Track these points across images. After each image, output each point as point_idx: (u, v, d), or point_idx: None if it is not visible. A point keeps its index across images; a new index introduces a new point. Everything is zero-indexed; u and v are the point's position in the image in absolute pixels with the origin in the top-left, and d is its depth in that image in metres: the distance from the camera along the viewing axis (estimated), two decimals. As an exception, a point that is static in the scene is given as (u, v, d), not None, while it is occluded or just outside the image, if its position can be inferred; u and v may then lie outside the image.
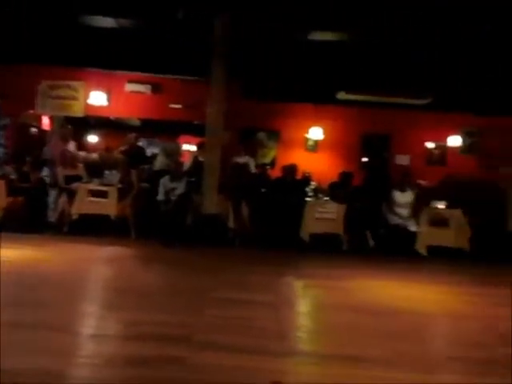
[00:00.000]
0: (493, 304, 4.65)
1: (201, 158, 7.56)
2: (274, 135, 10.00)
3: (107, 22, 6.98)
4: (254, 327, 3.33)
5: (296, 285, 5.02)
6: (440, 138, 9.88)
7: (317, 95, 9.37)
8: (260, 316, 3.61)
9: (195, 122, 9.28)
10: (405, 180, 7.36)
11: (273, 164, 9.70)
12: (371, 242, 6.89)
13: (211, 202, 6.71)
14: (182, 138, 11.12)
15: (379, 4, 6.02)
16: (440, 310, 4.25)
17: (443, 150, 9.94)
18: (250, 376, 2.48)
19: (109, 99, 9.40)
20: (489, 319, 4.04)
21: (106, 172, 7.53)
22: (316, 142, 9.89)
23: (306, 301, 4.69)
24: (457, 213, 6.91)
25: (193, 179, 7.31)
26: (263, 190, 7.68)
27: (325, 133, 9.74)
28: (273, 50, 7.67)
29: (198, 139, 8.69)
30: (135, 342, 2.84)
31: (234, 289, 4.42)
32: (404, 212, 7.08)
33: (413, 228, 6.86)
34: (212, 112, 6.80)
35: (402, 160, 9.85)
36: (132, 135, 9.19)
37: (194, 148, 9.72)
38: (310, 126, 9.74)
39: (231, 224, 6.85)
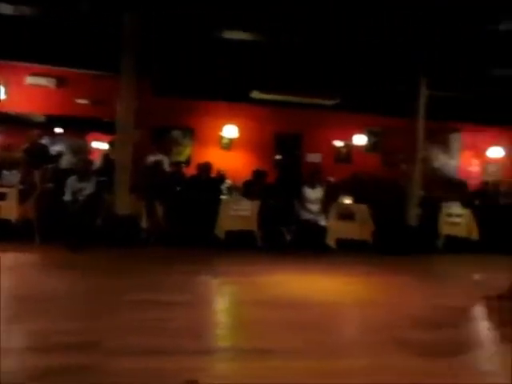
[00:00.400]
0: (396, 291, 5.04)
1: (112, 156, 7.27)
2: (189, 133, 9.92)
3: (4, 8, 6.42)
4: (170, 328, 3.29)
5: (212, 283, 5.03)
6: (347, 137, 10.46)
7: (231, 93, 9.45)
8: (176, 316, 3.57)
9: (105, 120, 8.89)
10: (315, 177, 7.67)
11: (188, 162, 9.62)
12: (288, 237, 7.10)
13: (123, 202, 6.48)
14: (92, 135, 10.60)
15: (292, 5, 6.20)
16: (349, 299, 4.51)
17: (350, 148, 10.53)
18: (167, 376, 2.45)
19: (7, 93, 8.69)
20: (393, 305, 4.37)
21: (5, 172, 6.95)
22: (231, 140, 9.97)
23: (222, 298, 4.72)
24: (362, 207, 7.36)
25: (103, 178, 7.00)
26: (178, 189, 7.58)
27: (239, 131, 9.85)
28: (186, 47, 7.59)
29: (109, 137, 8.34)
30: (41, 353, 2.68)
31: (148, 290, 4.32)
32: (314, 207, 7.39)
33: (323, 222, 7.19)
34: (122, 109, 6.56)
35: (313, 158, 10.27)
36: (34, 132, 8.56)
37: (105, 146, 9.32)
38: (224, 125, 9.80)
39: (144, 224, 6.68)
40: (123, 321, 3.35)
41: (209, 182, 7.67)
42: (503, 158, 10.77)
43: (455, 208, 7.90)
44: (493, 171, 11.03)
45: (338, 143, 10.53)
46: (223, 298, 4.73)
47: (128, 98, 6.51)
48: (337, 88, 9.09)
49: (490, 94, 9.74)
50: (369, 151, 10.44)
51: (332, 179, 8.95)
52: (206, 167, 7.72)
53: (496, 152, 10.71)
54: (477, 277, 6.10)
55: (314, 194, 7.46)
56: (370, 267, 6.23)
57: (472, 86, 9.35)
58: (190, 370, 2.54)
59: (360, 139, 10.36)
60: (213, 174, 8.15)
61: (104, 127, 9.28)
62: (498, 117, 10.21)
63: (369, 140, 10.41)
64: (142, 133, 7.94)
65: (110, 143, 7.96)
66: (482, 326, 4.04)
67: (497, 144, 10.69)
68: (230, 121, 9.81)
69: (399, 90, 8.37)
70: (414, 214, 7.44)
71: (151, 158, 7.74)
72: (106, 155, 7.79)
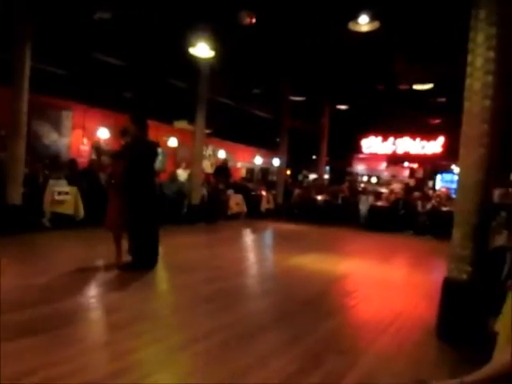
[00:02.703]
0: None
1: None
2: None
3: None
4: None
5: None
6: None
7: None
8: None
9: None
10: None
11: None
12: None
13: None
14: None
15: None
16: None
17: None
18: None
19: None
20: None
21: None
22: None
23: None
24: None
25: None
26: None
27: None
28: None
29: None
30: None
31: None
32: None
33: None
34: None
35: None
36: None
37: None
38: None
39: None
40: None
41: None
42: (109, 138, 11.62)
43: (62, 186, 7.96)
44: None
45: None
46: None
47: None
48: None
49: (98, 77, 10.32)
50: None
51: None
52: None
53: (103, 133, 11.44)
54: (81, 251, 6.39)
55: None
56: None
57: (77, 66, 9.62)
58: None
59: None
60: None
61: None
62: (104, 99, 10.95)
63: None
64: None
65: None
66: (81, 298, 4.22)
67: (104, 125, 11.42)
68: None
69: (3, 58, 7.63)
70: (17, 193, 7.00)
71: None
72: None
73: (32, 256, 5.92)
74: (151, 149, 5.53)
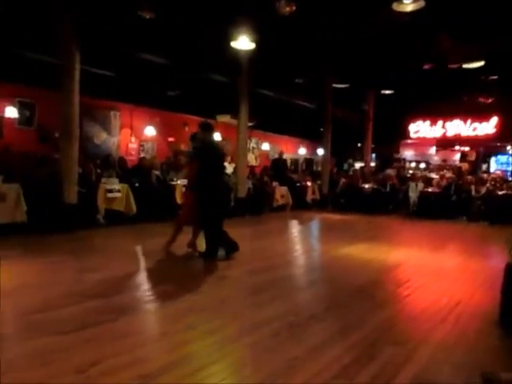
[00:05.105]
0: (50, 271, 4.85)
1: None
2: None
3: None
4: None
5: None
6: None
7: None
8: None
9: None
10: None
11: None
12: None
13: None
14: None
15: None
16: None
17: (0, 121, 9.34)
18: None
19: None
20: (45, 286, 4.18)
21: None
22: None
23: None
24: (14, 187, 6.70)
25: None
26: None
27: None
28: None
29: None
30: None
31: None
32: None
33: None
34: None
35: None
36: None
37: None
38: None
39: None
40: None
41: None
42: (155, 136, 11.91)
43: (113, 183, 8.23)
44: (148, 148, 12.07)
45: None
46: None
47: None
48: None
49: (143, 77, 10.55)
50: (21, 125, 9.52)
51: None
52: None
53: (150, 131, 11.73)
54: (134, 245, 6.61)
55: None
56: (25, 249, 5.81)
57: (123, 67, 9.86)
58: None
59: (10, 111, 9.31)
60: None
61: None
62: (150, 98, 11.20)
63: (20, 113, 9.46)
64: None
65: None
66: (136, 291, 4.36)
67: (150, 123, 11.70)
68: None
69: (52, 62, 7.94)
70: (72, 191, 7.30)
71: None
72: None
73: (88, 251, 6.16)
74: (218, 150, 5.90)
